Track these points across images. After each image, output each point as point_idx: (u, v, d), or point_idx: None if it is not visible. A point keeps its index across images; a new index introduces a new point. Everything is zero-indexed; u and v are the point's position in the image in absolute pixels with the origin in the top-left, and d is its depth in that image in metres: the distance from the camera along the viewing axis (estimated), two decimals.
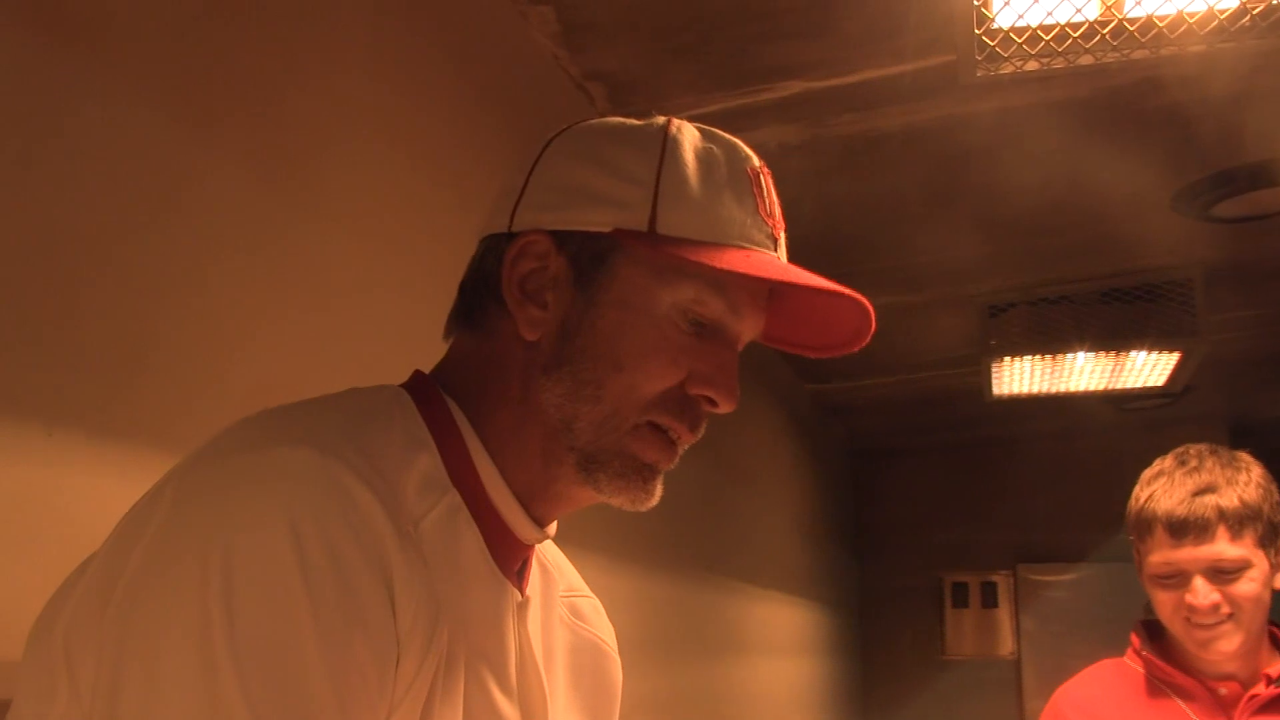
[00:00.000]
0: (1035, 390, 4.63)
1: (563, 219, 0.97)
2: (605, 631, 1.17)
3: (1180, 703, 1.94)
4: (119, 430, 1.20)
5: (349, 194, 1.68)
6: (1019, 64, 2.04)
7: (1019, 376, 4.47)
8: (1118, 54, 1.97)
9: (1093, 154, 3.01)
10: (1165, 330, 3.88)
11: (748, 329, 1.00)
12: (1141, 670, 2.01)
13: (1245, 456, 1.94)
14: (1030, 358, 4.20)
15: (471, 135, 2.07)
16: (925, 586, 7.07)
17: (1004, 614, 6.80)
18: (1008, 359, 4.21)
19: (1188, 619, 1.87)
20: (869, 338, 1.02)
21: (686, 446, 1.00)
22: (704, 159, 0.97)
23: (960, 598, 6.94)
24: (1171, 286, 3.84)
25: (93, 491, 1.15)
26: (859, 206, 3.42)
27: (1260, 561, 1.85)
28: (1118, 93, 2.68)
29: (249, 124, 1.47)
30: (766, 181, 1.01)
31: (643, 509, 0.98)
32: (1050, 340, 4.06)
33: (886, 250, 3.80)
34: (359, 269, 1.68)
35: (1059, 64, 2.03)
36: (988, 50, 2.00)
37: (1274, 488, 1.90)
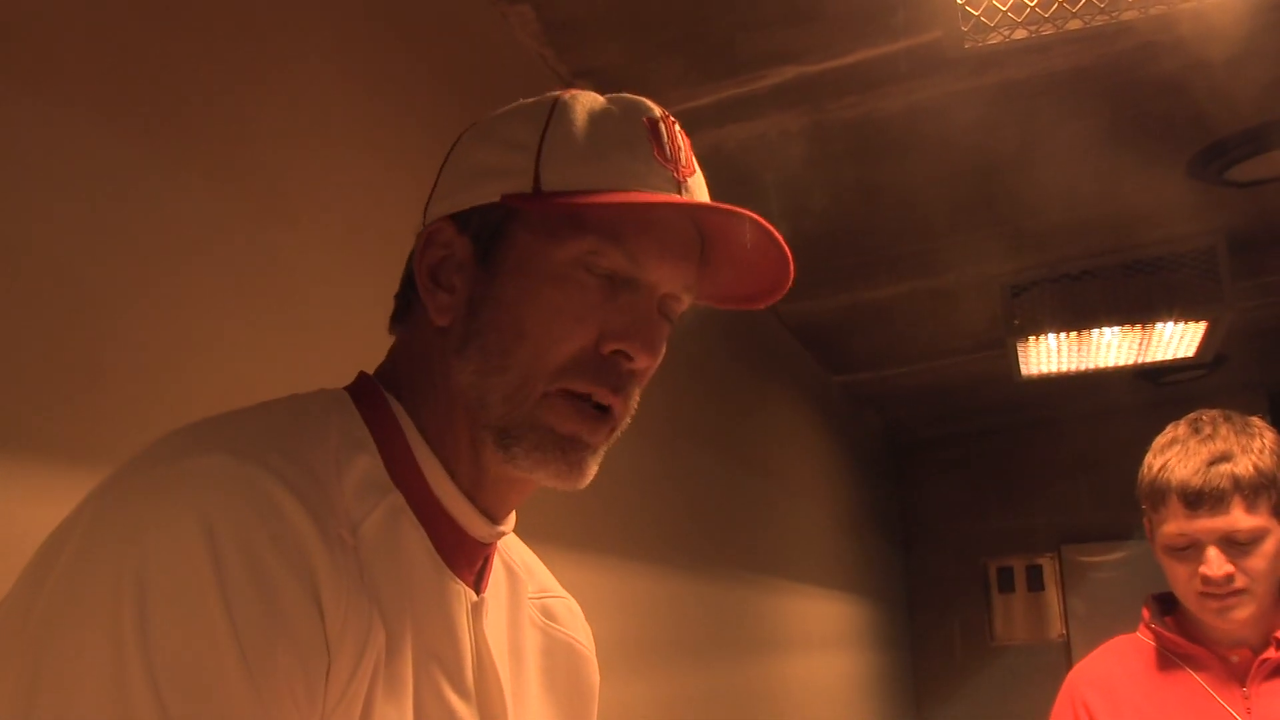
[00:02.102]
0: (1064, 369, 4.57)
1: (461, 200, 0.96)
2: (580, 632, 1.15)
3: (1193, 673, 1.91)
4: (65, 453, 1.19)
5: (325, 207, 1.67)
6: (1006, 33, 2.00)
7: (1047, 355, 4.42)
8: (1106, 16, 1.93)
9: (1101, 124, 2.96)
10: (1190, 299, 3.82)
11: (663, 279, 0.95)
12: (1153, 644, 1.99)
13: (1258, 422, 1.91)
14: (1056, 335, 4.14)
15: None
16: (970, 573, 7.00)
17: (1051, 596, 6.73)
18: (1033, 338, 4.15)
19: (1201, 592, 1.85)
20: (791, 273, 0.98)
21: (622, 418, 0.97)
22: (596, 117, 0.95)
23: (1006, 582, 6.87)
24: (1194, 255, 3.77)
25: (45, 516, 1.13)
26: (870, 192, 3.39)
27: (1275, 529, 1.82)
28: (1120, 59, 2.63)
29: (214, 146, 1.46)
30: (669, 128, 0.97)
31: (574, 487, 0.94)
32: (1075, 317, 4.00)
33: (903, 236, 3.76)
34: (336, 282, 1.66)
35: (1048, 30, 1.99)
36: (972, 20, 1.97)
37: None
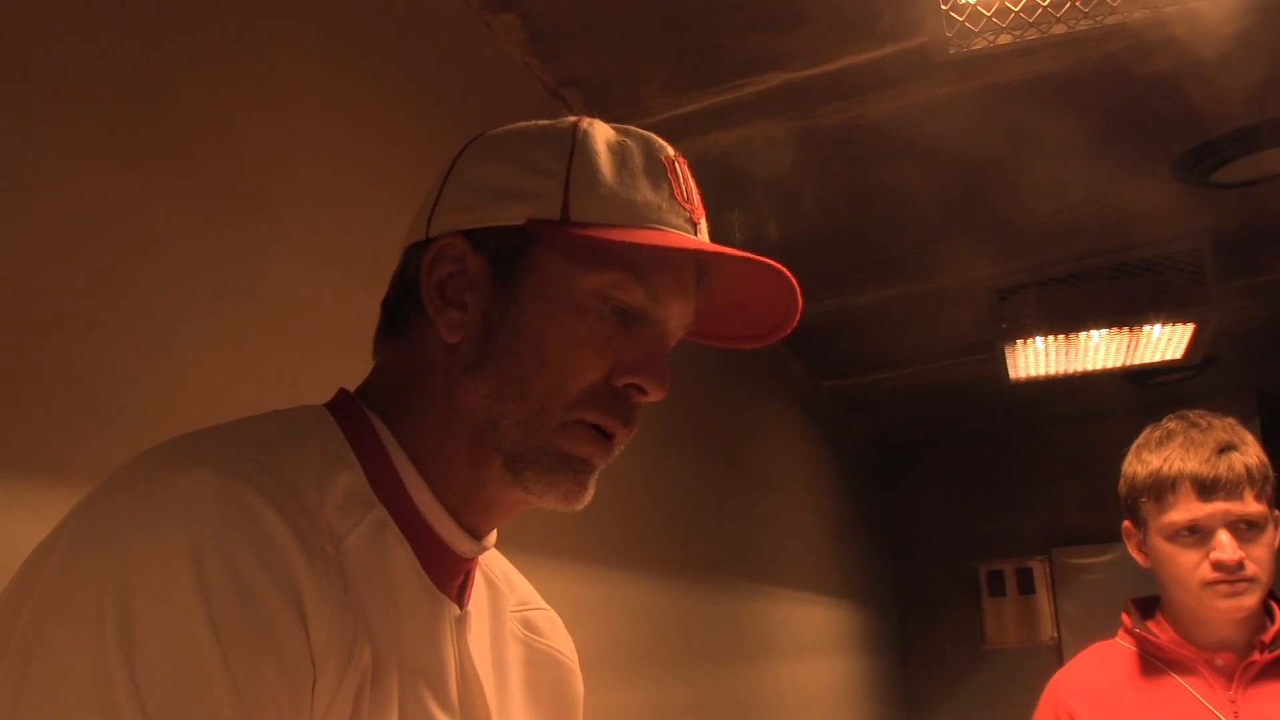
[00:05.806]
0: (1052, 371, 4.58)
1: (477, 218, 0.95)
2: (563, 643, 1.15)
3: (1177, 678, 1.89)
4: (47, 469, 1.18)
5: (311, 219, 1.66)
6: (991, 38, 2.00)
7: (1035, 358, 4.42)
8: (1090, 20, 1.93)
9: (1087, 127, 2.97)
10: (1177, 302, 3.83)
11: (673, 316, 0.98)
12: (1135, 649, 1.97)
13: (1236, 423, 1.92)
14: (1044, 339, 4.15)
15: (444, 153, 2.04)
16: (961, 577, 6.99)
17: (1042, 600, 6.73)
18: (1020, 342, 4.16)
19: (1210, 579, 1.82)
20: (798, 314, 1.01)
21: (623, 444, 0.98)
22: (616, 150, 0.96)
23: (996, 586, 6.86)
24: (1180, 257, 3.78)
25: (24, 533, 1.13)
26: (857, 197, 3.38)
27: (1273, 522, 1.83)
28: (1106, 62, 2.63)
29: (198, 159, 1.45)
30: (682, 168, 0.99)
31: (575, 508, 0.95)
32: (1062, 320, 4.01)
33: (890, 241, 3.76)
34: (319, 295, 1.65)
35: (1032, 35, 1.99)
36: (956, 26, 1.97)
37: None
